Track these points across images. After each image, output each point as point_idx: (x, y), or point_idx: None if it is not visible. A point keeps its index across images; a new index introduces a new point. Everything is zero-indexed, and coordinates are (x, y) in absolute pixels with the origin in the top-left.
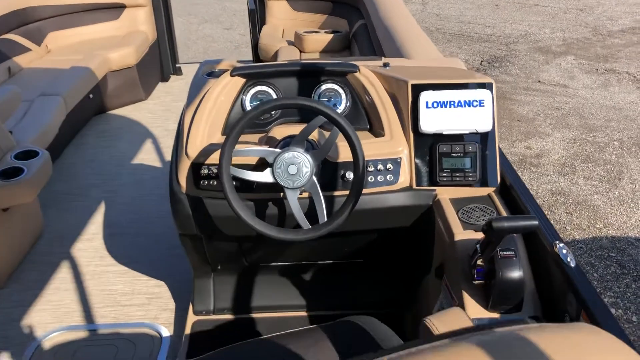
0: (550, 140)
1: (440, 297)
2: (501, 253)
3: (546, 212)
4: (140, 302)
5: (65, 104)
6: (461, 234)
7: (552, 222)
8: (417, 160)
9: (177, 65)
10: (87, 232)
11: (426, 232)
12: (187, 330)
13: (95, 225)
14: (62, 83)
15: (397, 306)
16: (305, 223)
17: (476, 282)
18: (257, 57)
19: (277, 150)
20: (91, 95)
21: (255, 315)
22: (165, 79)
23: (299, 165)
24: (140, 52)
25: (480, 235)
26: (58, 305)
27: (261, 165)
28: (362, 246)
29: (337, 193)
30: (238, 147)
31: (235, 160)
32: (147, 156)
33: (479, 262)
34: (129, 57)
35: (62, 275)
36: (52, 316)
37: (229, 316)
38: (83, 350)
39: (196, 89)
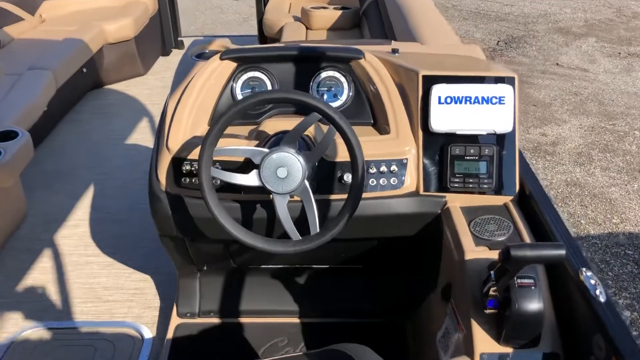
0: (567, 127)
1: (446, 321)
2: (518, 281)
3: (560, 204)
4: (123, 297)
5: (55, 79)
6: (473, 251)
7: (565, 215)
8: (426, 162)
9: (180, 39)
10: (73, 217)
11: (432, 243)
12: (170, 334)
13: (83, 210)
14: (53, 56)
15: (396, 315)
16: (294, 234)
17: (488, 310)
18: (261, 32)
19: (265, 150)
20: (85, 70)
21: (243, 320)
22: (166, 53)
23: (289, 168)
24: (140, 23)
25: (494, 254)
26: (35, 299)
27: (247, 165)
28: (361, 252)
29: (333, 197)
30: (222, 142)
31: (218, 157)
32: (143, 136)
33: (492, 290)
34: (127, 29)
35: (43, 265)
36: (27, 311)
37: (215, 320)
38: (58, 350)
39: (182, 73)
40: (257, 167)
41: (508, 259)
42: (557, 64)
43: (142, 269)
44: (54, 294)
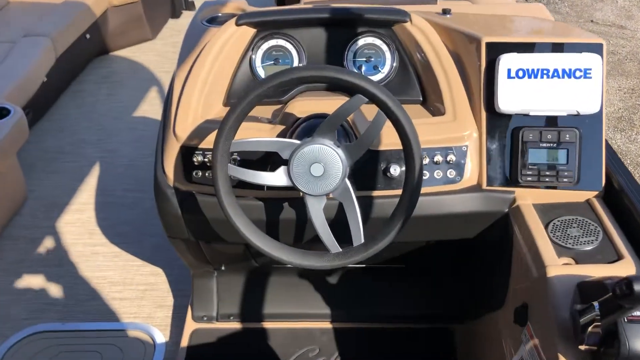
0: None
1: (521, 349)
2: (629, 313)
3: None
4: (132, 295)
5: (54, 46)
6: (556, 266)
7: None
8: (491, 151)
9: (190, 0)
10: (76, 200)
11: (498, 249)
12: (185, 340)
13: (87, 193)
14: (52, 21)
15: (444, 322)
16: (333, 245)
17: (584, 346)
18: None
19: (295, 141)
20: (88, 35)
21: (267, 324)
22: (176, 15)
23: (325, 164)
24: None
25: (583, 270)
26: (35, 296)
27: (272, 160)
28: (406, 251)
29: (376, 193)
30: (240, 130)
31: (236, 150)
32: (152, 108)
33: (593, 327)
34: None
35: (44, 257)
36: (26, 311)
37: (235, 324)
38: (60, 357)
39: (191, 43)
40: (286, 162)
41: (629, 296)
42: (592, 21)
43: (153, 260)
44: (55, 291)
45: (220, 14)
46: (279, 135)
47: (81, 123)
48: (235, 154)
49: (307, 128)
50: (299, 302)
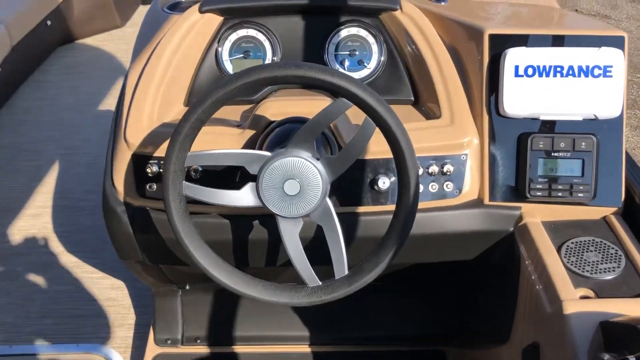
0: None
1: None
2: None
3: None
4: (90, 311)
5: (8, 34)
6: (574, 302)
7: None
8: (494, 160)
9: None
10: (32, 204)
11: (502, 274)
12: None
13: (44, 195)
14: (6, 6)
15: (436, 343)
16: (311, 277)
17: None
18: None
19: (265, 153)
20: (49, 22)
21: (238, 348)
22: (147, 0)
23: (302, 181)
24: None
25: (605, 306)
26: None
27: (238, 174)
28: (395, 270)
29: (361, 210)
30: (202, 137)
31: (192, 164)
32: None
33: None
34: None
35: None
36: None
37: (202, 349)
38: None
39: (149, 33)
40: (255, 178)
41: None
42: (576, 10)
43: (115, 272)
44: (3, 309)
45: (184, 0)
46: (247, 143)
47: (41, 117)
48: (192, 171)
49: (281, 135)
50: (275, 323)
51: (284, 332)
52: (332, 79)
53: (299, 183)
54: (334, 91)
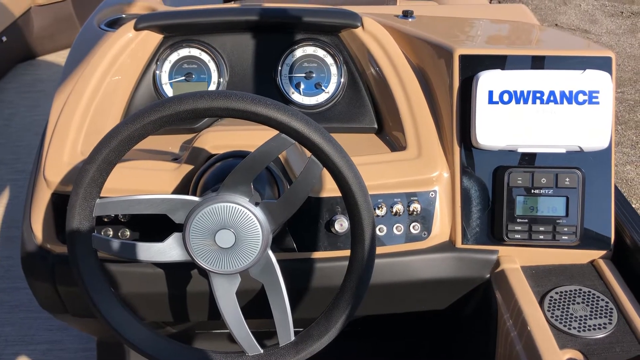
0: None
1: None
2: None
3: None
4: (32, 357)
5: None
6: None
7: None
8: (467, 198)
9: None
10: None
11: (478, 327)
12: None
13: None
14: None
15: None
16: (250, 344)
17: None
18: None
19: (192, 198)
20: (4, 38)
21: None
22: None
23: (237, 231)
24: None
25: None
26: None
27: (162, 223)
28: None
29: (316, 255)
30: (129, 172)
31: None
32: None
33: None
34: None
35: None
36: None
37: None
38: None
39: (80, 53)
40: (181, 228)
41: None
42: (556, 24)
43: None
44: None
45: (124, 15)
46: (182, 181)
47: None
48: (107, 221)
49: (220, 172)
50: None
51: None
52: (267, 112)
53: (233, 234)
54: (272, 126)
